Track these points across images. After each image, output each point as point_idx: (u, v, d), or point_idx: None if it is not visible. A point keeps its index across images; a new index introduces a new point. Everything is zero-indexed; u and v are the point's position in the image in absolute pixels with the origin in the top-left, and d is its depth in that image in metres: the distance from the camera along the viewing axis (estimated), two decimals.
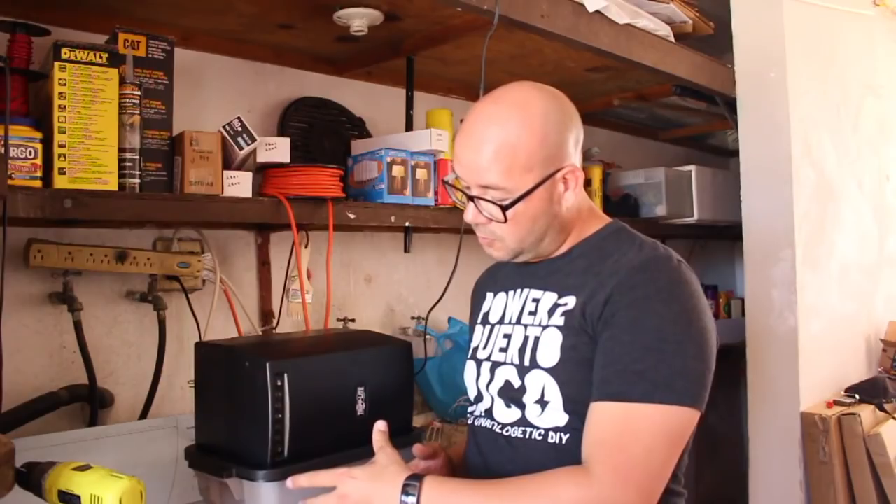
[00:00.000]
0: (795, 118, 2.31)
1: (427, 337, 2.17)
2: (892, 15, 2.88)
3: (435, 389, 2.14)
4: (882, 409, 2.29)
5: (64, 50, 1.35)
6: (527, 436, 1.13)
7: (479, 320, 1.30)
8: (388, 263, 2.25)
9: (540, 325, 1.14)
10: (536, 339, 1.14)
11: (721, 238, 3.36)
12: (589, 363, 1.08)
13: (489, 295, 1.30)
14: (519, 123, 1.09)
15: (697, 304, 1.08)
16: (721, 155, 3.59)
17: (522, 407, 1.13)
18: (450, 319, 2.27)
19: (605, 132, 3.04)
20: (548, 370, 1.11)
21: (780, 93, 2.31)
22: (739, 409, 3.48)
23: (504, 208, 1.10)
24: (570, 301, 1.12)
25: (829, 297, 2.44)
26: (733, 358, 3.09)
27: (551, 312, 1.14)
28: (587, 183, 2.53)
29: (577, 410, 1.08)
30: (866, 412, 2.21)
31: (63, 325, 1.58)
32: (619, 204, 2.67)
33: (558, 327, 1.12)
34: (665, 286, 1.07)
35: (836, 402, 2.28)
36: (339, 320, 2.04)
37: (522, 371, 1.14)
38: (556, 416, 1.10)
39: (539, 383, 1.11)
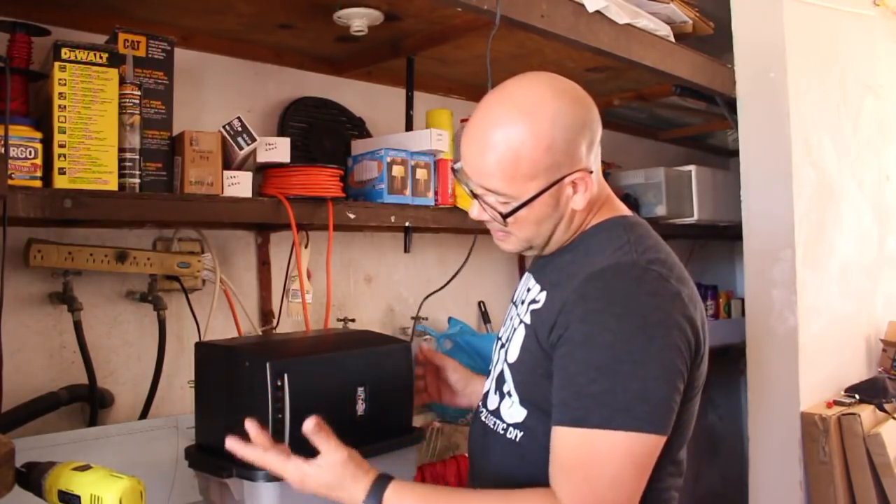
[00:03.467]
0: (795, 118, 2.31)
1: (426, 337, 2.17)
2: (892, 15, 2.88)
3: None
4: (882, 409, 2.29)
5: (64, 50, 1.35)
6: (494, 426, 1.16)
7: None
8: (388, 263, 2.25)
9: (519, 316, 1.16)
10: (514, 330, 1.15)
11: (721, 238, 3.36)
12: (539, 369, 1.06)
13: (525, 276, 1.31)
14: (524, 130, 1.04)
15: (663, 318, 0.99)
16: (721, 155, 3.59)
17: (502, 397, 1.15)
18: (450, 319, 2.27)
19: (605, 132, 2.97)
20: (510, 365, 1.13)
21: (780, 93, 2.31)
22: (739, 409, 3.49)
23: (504, 215, 1.08)
24: (542, 298, 1.11)
25: (829, 296, 2.44)
26: (733, 358, 3.10)
27: (528, 307, 1.14)
28: None
29: (531, 409, 1.09)
30: (866, 412, 2.21)
31: (63, 325, 1.58)
32: None
33: (526, 325, 1.12)
34: (618, 298, 1.00)
35: (836, 402, 2.28)
36: (339, 320, 2.04)
37: (504, 360, 1.16)
38: (516, 411, 1.11)
39: (508, 376, 1.13)
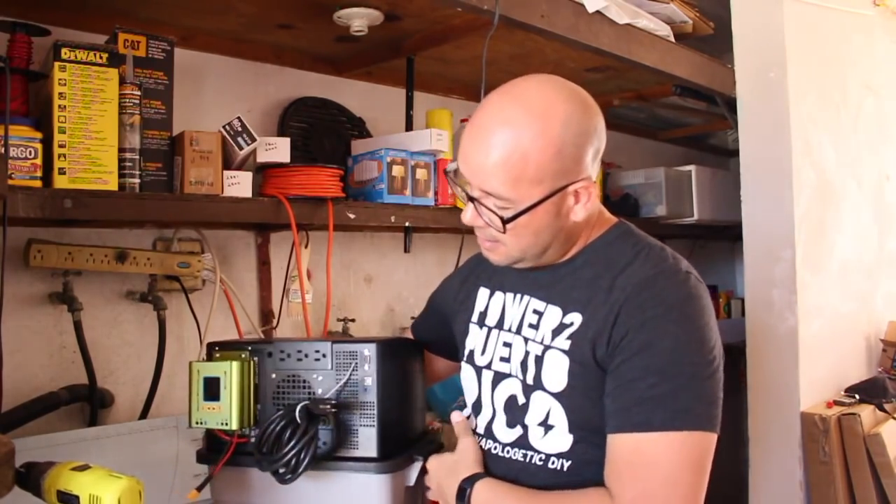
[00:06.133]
0: (795, 118, 2.31)
1: None
2: (892, 15, 2.87)
3: (435, 389, 2.14)
4: (882, 409, 2.28)
5: (64, 50, 1.35)
6: (527, 459, 1.10)
7: (474, 319, 1.24)
8: (388, 263, 2.25)
9: (542, 342, 1.09)
10: (538, 359, 1.09)
11: (721, 238, 3.36)
12: (596, 389, 1.04)
13: (483, 291, 1.24)
14: (535, 132, 0.99)
15: (709, 321, 1.04)
16: (721, 155, 3.59)
17: (525, 428, 1.10)
18: None
19: (606, 132, 3.03)
20: (555, 395, 1.06)
21: (780, 93, 2.31)
22: (739, 408, 3.49)
23: (504, 220, 1.03)
24: (577, 320, 1.06)
25: (829, 296, 2.44)
26: (733, 358, 3.10)
27: (556, 332, 1.08)
28: None
29: (582, 435, 1.06)
30: (866, 412, 2.21)
31: (63, 325, 1.58)
32: (619, 204, 2.67)
33: (564, 351, 1.06)
34: (676, 304, 1.02)
35: (836, 402, 2.28)
36: (339, 320, 2.04)
37: (527, 389, 1.10)
38: (560, 440, 1.07)
39: (544, 406, 1.08)
